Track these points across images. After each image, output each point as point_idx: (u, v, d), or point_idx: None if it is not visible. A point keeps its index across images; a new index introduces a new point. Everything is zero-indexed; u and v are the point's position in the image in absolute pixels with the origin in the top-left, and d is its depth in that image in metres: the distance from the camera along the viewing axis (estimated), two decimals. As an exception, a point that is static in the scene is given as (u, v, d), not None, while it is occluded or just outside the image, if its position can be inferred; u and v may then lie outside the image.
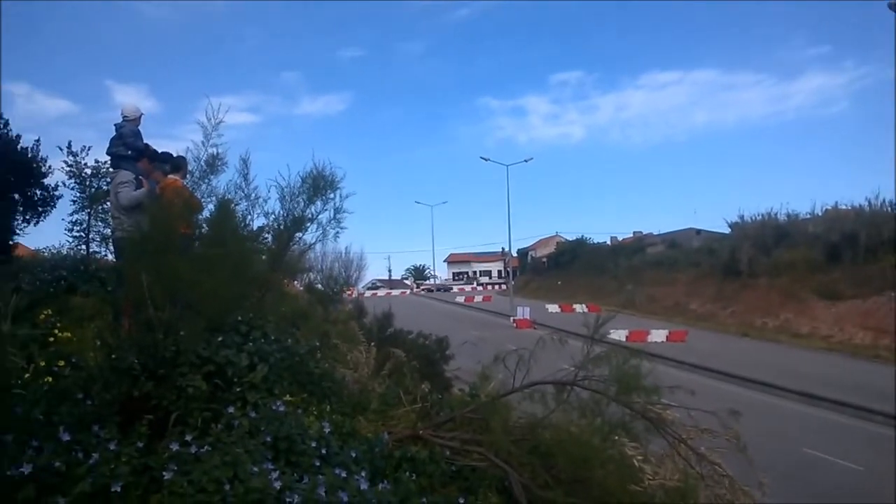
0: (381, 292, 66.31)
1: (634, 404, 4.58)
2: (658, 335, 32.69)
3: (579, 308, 41.03)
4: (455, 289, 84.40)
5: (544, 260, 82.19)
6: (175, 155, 7.91)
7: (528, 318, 40.26)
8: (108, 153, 8.41)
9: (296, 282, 12.76)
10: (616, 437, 4.58)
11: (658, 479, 4.52)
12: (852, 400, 20.19)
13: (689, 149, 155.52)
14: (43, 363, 4.89)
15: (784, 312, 38.24)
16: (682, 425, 4.75)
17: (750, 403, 19.46)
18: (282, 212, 7.09)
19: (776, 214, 46.16)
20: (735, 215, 49.39)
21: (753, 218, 47.02)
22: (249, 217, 7.00)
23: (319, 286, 15.19)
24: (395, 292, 69.79)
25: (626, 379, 4.54)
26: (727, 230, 50.63)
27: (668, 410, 4.74)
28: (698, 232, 61.82)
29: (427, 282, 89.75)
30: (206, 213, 6.84)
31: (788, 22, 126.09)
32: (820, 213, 43.78)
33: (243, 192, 7.03)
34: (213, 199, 7.14)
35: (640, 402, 4.60)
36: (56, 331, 6.46)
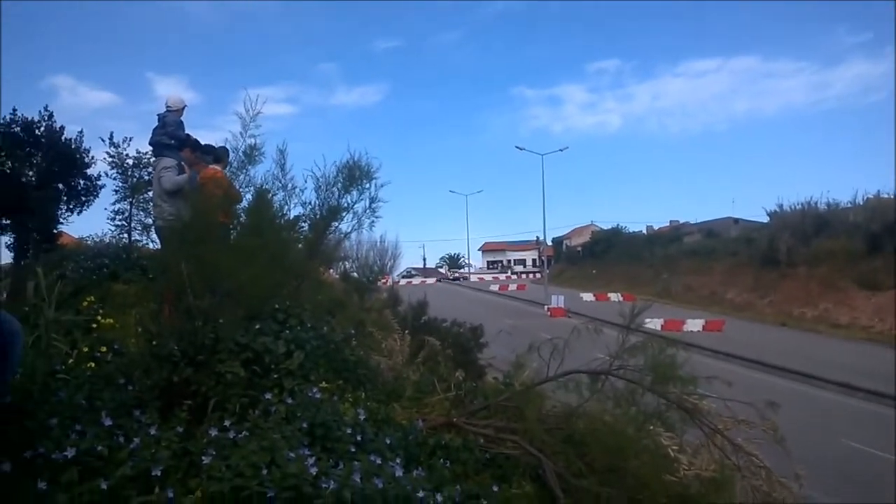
0: (415, 280, 66.53)
1: (670, 394, 4.55)
2: (694, 324, 32.36)
3: (614, 297, 40.81)
4: (475, 278, 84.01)
5: (579, 249, 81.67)
6: (217, 146, 8.04)
7: (562, 306, 40.09)
8: (151, 142, 8.58)
9: (332, 270, 12.84)
10: (651, 427, 4.56)
11: (693, 470, 4.49)
12: (892, 391, 19.79)
13: (728, 137, 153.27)
14: (86, 349, 5.02)
15: (823, 302, 37.55)
16: (719, 416, 4.70)
17: (788, 394, 19.20)
18: (318, 201, 7.15)
19: (816, 203, 45.22)
20: (774, 204, 48.49)
21: (793, 207, 46.12)
22: (286, 207, 7.07)
23: (355, 274, 15.26)
24: (430, 280, 69.95)
25: (662, 368, 4.51)
26: (766, 219, 49.79)
27: (704, 401, 4.69)
28: (736, 221, 60.94)
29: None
30: (244, 203, 6.93)
31: (830, 9, 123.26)
32: (861, 202, 42.78)
33: (280, 182, 7.10)
34: (251, 189, 7.22)
35: (676, 392, 4.56)
36: (99, 317, 6.62)
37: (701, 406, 4.62)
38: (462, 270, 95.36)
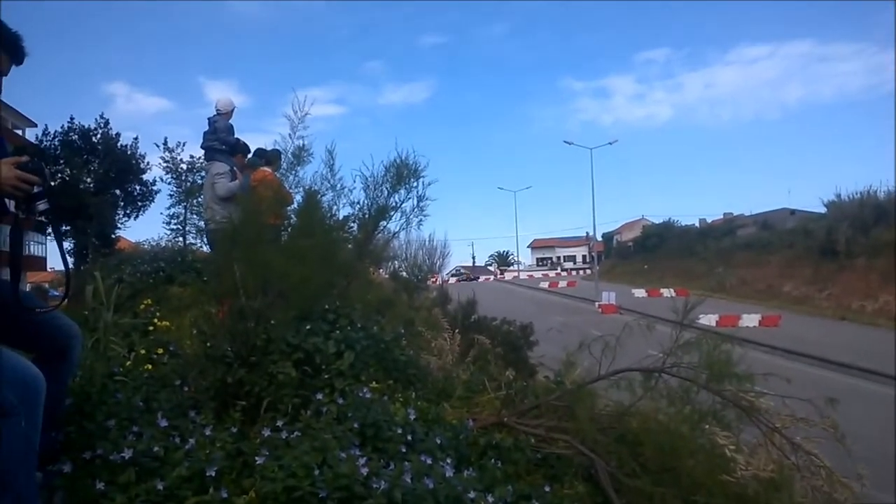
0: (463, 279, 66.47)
1: (725, 392, 4.44)
2: (750, 319, 31.64)
3: (666, 292, 40.18)
4: (524, 275, 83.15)
5: (630, 244, 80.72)
6: (269, 149, 8.15)
7: (613, 302, 39.60)
8: (202, 147, 8.73)
9: (381, 270, 12.92)
10: (706, 426, 4.45)
11: (751, 470, 4.36)
12: (958, 387, 19.09)
13: (782, 125, 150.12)
14: (143, 351, 5.14)
15: (884, 295, 36.35)
16: (777, 414, 4.58)
17: (849, 390, 18.65)
18: (366, 201, 7.19)
19: (875, 192, 43.84)
20: (832, 194, 47.15)
21: (851, 196, 44.78)
22: (335, 207, 7.13)
23: (404, 273, 15.32)
24: (480, 278, 69.89)
25: (717, 366, 4.41)
26: (823, 210, 48.45)
27: (761, 398, 4.57)
28: (792, 212, 59.44)
29: (462, 269, 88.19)
30: (294, 205, 7.01)
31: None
32: (923, 190, 41.38)
33: (329, 182, 7.15)
34: (301, 190, 7.30)
35: (732, 389, 4.45)
36: (155, 320, 6.78)
37: (758, 404, 4.50)
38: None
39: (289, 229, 6.33)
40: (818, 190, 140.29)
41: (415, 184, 7.05)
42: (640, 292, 45.40)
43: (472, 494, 3.04)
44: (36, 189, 2.39)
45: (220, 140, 8.27)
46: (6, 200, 2.47)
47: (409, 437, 3.61)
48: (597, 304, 41.11)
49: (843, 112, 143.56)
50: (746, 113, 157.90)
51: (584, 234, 77.86)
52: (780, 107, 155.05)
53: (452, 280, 52.37)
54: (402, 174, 6.95)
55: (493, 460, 3.99)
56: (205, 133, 8.52)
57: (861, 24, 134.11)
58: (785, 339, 26.71)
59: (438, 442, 3.72)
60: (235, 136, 8.48)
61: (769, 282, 46.64)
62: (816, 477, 4.33)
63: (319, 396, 3.89)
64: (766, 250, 50.30)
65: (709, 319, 26.69)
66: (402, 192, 7.06)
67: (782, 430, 4.45)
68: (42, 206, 2.44)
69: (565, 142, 54.86)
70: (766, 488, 4.19)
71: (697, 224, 74.42)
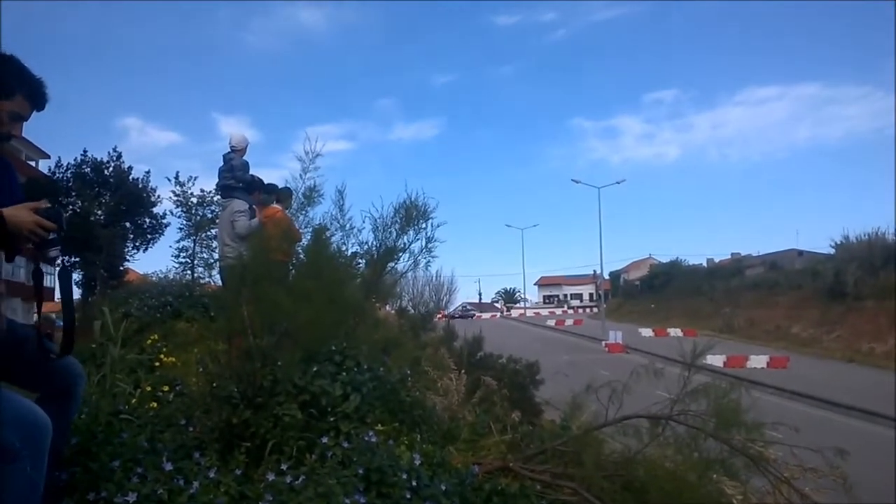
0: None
1: (734, 441, 4.40)
2: (758, 361, 31.52)
3: (673, 332, 40.04)
4: (531, 313, 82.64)
5: (637, 282, 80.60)
6: (280, 187, 8.20)
7: (620, 342, 39.50)
8: (218, 185, 8.79)
9: (388, 306, 12.94)
10: (714, 475, 4.41)
11: (759, 520, 4.33)
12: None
13: (790, 166, 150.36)
14: (149, 388, 5.15)
15: (893, 337, 36.10)
16: (785, 464, 4.53)
17: (857, 434, 18.47)
18: (375, 242, 7.22)
19: (885, 234, 43.83)
20: (840, 235, 47.22)
21: (860, 238, 44.82)
22: (344, 246, 7.16)
23: (411, 310, 15.34)
24: (486, 315, 69.64)
25: (725, 413, 4.37)
26: (831, 251, 48.43)
27: (769, 447, 4.53)
28: (800, 253, 59.39)
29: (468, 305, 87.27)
30: (303, 242, 7.04)
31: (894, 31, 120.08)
32: (931, 232, 41.35)
33: (339, 222, 7.20)
34: (310, 229, 7.34)
35: (740, 438, 4.41)
36: (161, 355, 6.79)
37: (766, 453, 4.46)
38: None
39: (297, 268, 6.35)
40: (827, 231, 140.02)
41: (423, 225, 7.09)
42: (647, 332, 45.28)
43: (476, 543, 3.01)
44: (51, 235, 2.42)
45: (237, 178, 8.32)
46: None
47: (414, 483, 3.58)
48: (603, 342, 41.00)
49: (850, 153, 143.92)
50: (755, 153, 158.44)
51: (592, 273, 78.05)
52: (788, 148, 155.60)
53: (458, 317, 52.24)
54: (412, 216, 6.98)
55: (497, 507, 3.96)
56: (220, 170, 8.57)
57: (866, 69, 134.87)
58: (793, 381, 26.51)
59: (443, 488, 3.69)
60: (251, 172, 8.53)
61: (777, 323, 46.39)
62: (823, 528, 4.28)
63: (325, 440, 3.87)
64: (774, 291, 50.14)
65: (716, 360, 26.56)
66: (411, 233, 7.08)
67: (791, 481, 4.40)
68: (54, 252, 2.47)
69: (573, 180, 55.09)
70: (774, 539, 4.14)
71: (705, 264, 74.36)
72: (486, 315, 72.17)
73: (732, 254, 73.09)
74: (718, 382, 4.75)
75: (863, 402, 22.96)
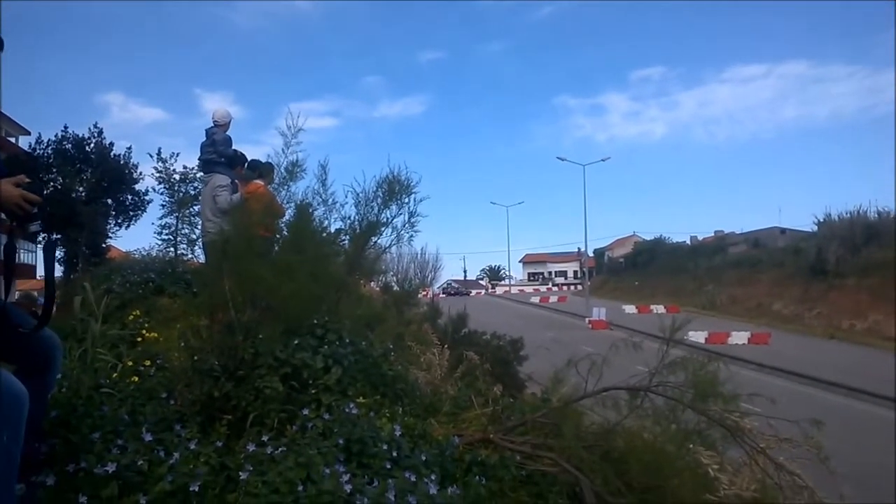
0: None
1: (711, 411, 4.47)
2: (740, 337, 31.84)
3: (657, 309, 40.33)
4: (515, 290, 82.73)
5: (621, 260, 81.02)
6: (262, 162, 8.15)
7: (603, 319, 39.76)
8: (200, 159, 8.73)
9: (372, 283, 12.92)
10: (691, 446, 4.48)
11: (734, 489, 4.39)
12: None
13: (775, 145, 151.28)
14: (130, 363, 5.14)
15: (873, 314, 36.63)
16: (761, 434, 4.61)
17: (837, 409, 18.75)
18: (357, 216, 7.20)
19: (866, 212, 44.25)
20: (822, 213, 47.61)
21: (842, 216, 45.19)
22: (326, 221, 7.14)
23: (395, 287, 15.33)
24: (472, 293, 69.81)
25: (703, 385, 4.43)
26: (814, 229, 48.83)
27: (746, 419, 4.60)
28: (783, 231, 59.87)
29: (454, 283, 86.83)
30: (286, 218, 7.01)
31: (881, 9, 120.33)
32: (912, 210, 41.80)
33: (321, 197, 7.16)
34: (292, 204, 7.31)
35: (718, 409, 4.48)
36: (143, 331, 6.77)
37: (743, 424, 4.53)
38: (459, 281, 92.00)
39: (280, 243, 6.33)
40: (809, 209, 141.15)
41: (406, 200, 7.07)
42: (630, 309, 45.55)
43: (455, 512, 3.05)
44: (34, 210, 2.41)
45: (219, 153, 8.27)
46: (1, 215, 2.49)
47: (395, 454, 3.61)
48: (587, 319, 41.23)
49: (836, 133, 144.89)
50: (740, 132, 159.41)
51: (576, 250, 78.08)
52: (774, 126, 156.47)
53: (443, 294, 52.31)
54: (394, 190, 6.97)
55: (477, 477, 3.99)
56: (202, 145, 8.51)
57: (856, 47, 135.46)
58: (774, 358, 26.83)
59: (423, 458, 3.72)
60: (233, 147, 8.47)
61: (759, 300, 46.86)
62: (799, 497, 4.36)
63: (306, 412, 3.88)
64: (757, 268, 50.57)
65: (698, 336, 26.85)
66: (394, 207, 7.07)
67: (767, 451, 4.48)
68: (35, 227, 2.46)
69: (558, 158, 54.90)
70: (749, 508, 4.22)
71: (689, 241, 74.82)
72: (472, 292, 72.29)
73: (716, 232, 73.64)
74: (696, 356, 4.82)
75: (843, 378, 23.30)
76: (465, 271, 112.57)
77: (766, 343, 31.23)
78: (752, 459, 4.49)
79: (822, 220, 47.18)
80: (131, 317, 7.56)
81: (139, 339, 6.56)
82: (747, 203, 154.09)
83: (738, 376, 4.70)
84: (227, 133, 8.50)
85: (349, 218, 7.22)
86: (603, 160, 55.69)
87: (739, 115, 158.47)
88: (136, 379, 4.66)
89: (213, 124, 8.48)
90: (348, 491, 2.83)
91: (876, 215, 43.81)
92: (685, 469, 4.30)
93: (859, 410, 20.11)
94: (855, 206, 45.12)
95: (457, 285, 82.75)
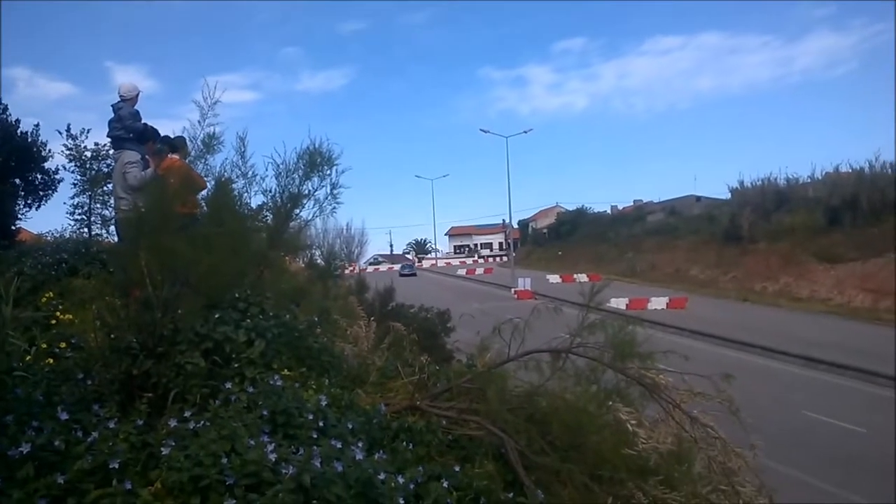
0: (382, 267, 66.31)
1: (629, 370, 4.63)
2: (658, 302, 32.93)
3: (580, 277, 41.20)
4: (442, 262, 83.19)
5: (545, 231, 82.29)
6: (173, 136, 7.92)
7: (528, 289, 40.48)
8: (108, 136, 8.41)
9: (297, 259, 12.79)
10: (611, 404, 4.64)
11: (652, 444, 4.59)
12: (852, 362, 20.34)
13: (692, 115, 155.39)
14: (44, 345, 4.95)
15: (784, 276, 38.43)
16: (677, 390, 4.81)
17: (750, 367, 19.65)
18: (278, 189, 7.10)
19: (776, 179, 46.13)
20: (735, 181, 49.37)
21: (753, 183, 47.00)
22: (247, 195, 7.02)
23: (320, 262, 15.21)
24: (396, 267, 69.80)
25: (622, 346, 4.58)
26: (727, 196, 50.60)
27: (662, 376, 4.79)
28: (698, 199, 61.81)
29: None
30: (205, 193, 6.86)
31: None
32: (820, 177, 43.75)
33: (240, 170, 7.04)
34: (211, 178, 7.15)
35: (635, 368, 4.64)
36: (58, 313, 6.53)
37: (660, 381, 4.72)
38: (378, 257, 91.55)
39: (200, 217, 6.20)
40: (723, 177, 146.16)
41: (328, 171, 7.01)
42: (554, 278, 46.45)
43: (382, 476, 3.07)
44: None
45: (126, 128, 7.98)
46: None
47: (321, 424, 3.61)
48: (513, 290, 41.85)
49: (750, 102, 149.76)
50: (659, 103, 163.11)
51: (501, 222, 78.99)
52: (691, 97, 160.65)
53: (370, 269, 52.11)
54: (315, 162, 6.89)
55: (405, 443, 4.05)
56: (110, 121, 8.20)
57: (769, 18, 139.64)
58: (691, 321, 27.87)
59: (350, 427, 3.74)
60: (143, 121, 8.19)
61: (677, 266, 48.43)
62: (713, 448, 4.58)
63: (229, 386, 3.83)
64: (674, 236, 52.19)
65: (620, 303, 27.60)
66: (315, 179, 7.00)
67: (682, 406, 4.68)
68: None
69: (481, 130, 55.46)
70: (666, 460, 4.41)
71: (609, 211, 76.50)
72: (396, 267, 72.21)
73: (635, 201, 75.52)
74: (615, 317, 4.98)
75: (755, 338, 24.37)
76: (391, 245, 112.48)
77: (683, 307, 32.39)
78: (669, 415, 4.68)
79: (735, 187, 48.95)
80: (44, 299, 7.28)
81: (53, 322, 6.32)
82: (665, 173, 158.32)
83: (654, 338, 4.88)
84: (136, 107, 8.21)
85: (270, 191, 7.13)
86: (525, 132, 56.68)
87: (657, 87, 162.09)
88: (52, 361, 4.51)
89: (119, 99, 8.18)
90: (273, 460, 2.83)
91: (785, 182, 45.70)
92: (605, 426, 4.46)
93: (772, 368, 21.11)
94: (766, 173, 46.95)
95: (381, 258, 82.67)
